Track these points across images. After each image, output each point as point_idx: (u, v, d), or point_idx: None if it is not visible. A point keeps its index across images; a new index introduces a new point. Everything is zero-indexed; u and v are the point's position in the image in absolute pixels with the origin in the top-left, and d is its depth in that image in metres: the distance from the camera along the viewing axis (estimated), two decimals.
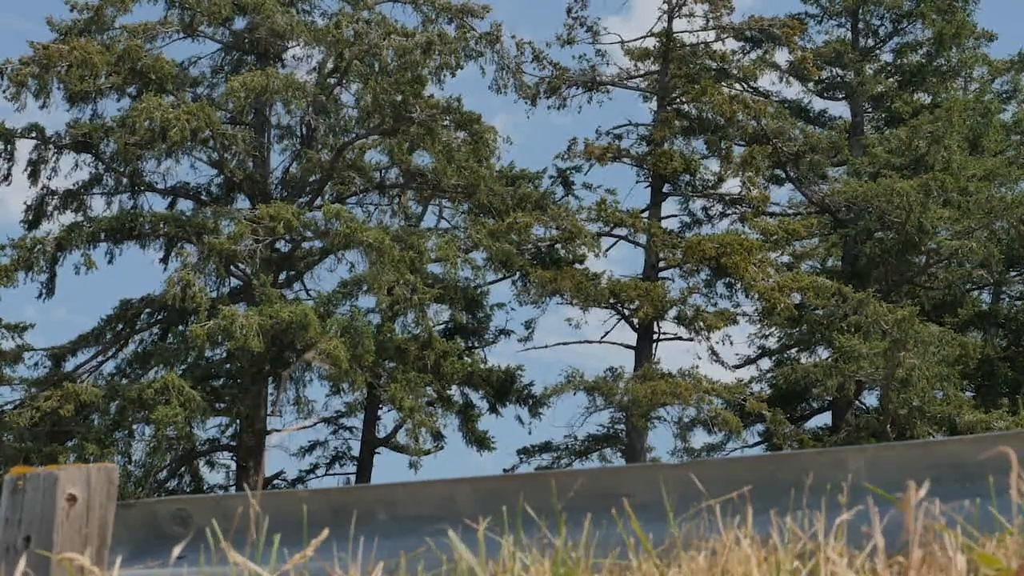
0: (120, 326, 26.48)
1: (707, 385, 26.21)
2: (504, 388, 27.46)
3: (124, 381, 25.48)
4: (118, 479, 3.36)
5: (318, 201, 27.02)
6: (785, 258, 29.24)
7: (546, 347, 29.60)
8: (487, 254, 25.87)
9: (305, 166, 26.54)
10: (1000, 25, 51.18)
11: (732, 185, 28.87)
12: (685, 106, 28.81)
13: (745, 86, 29.59)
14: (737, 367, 29.59)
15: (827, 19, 31.08)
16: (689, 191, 29.17)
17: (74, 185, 26.62)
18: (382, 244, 24.07)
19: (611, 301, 26.84)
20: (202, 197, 27.21)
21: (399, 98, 25.63)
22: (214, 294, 25.13)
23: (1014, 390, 28.85)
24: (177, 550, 2.94)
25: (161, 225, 25.94)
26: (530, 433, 30.25)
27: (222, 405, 25.53)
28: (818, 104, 31.57)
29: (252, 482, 23.61)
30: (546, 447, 28.48)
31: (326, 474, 28.51)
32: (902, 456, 3.07)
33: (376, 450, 27.74)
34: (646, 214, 28.07)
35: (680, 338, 27.39)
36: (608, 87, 29.24)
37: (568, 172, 29.09)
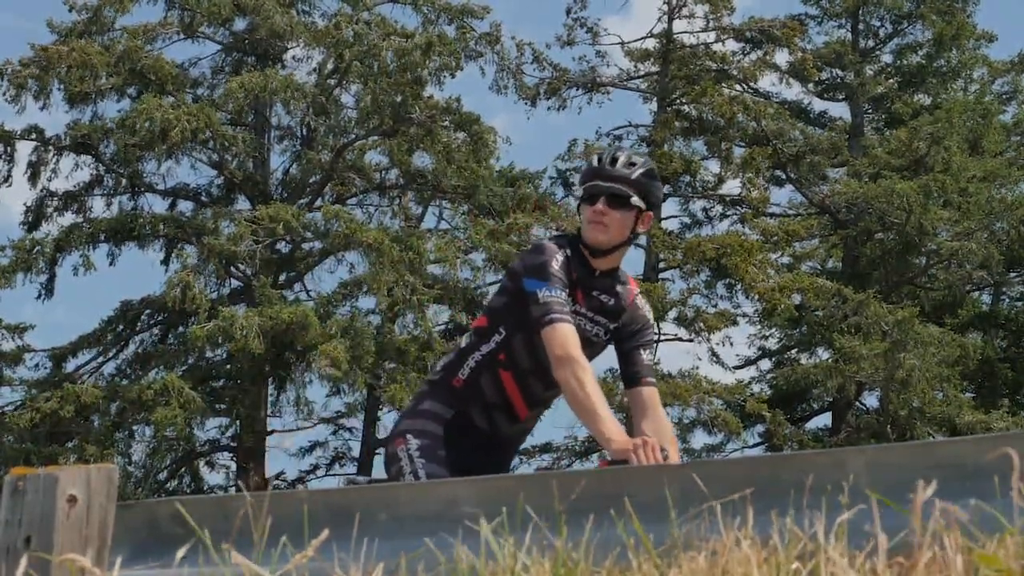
0: (120, 327, 26.49)
1: (707, 386, 26.21)
2: None
3: (124, 382, 25.48)
4: (118, 480, 3.36)
5: (318, 202, 27.04)
6: (785, 259, 29.24)
7: None
8: (487, 255, 25.87)
9: (305, 167, 26.55)
10: (1000, 26, 51.14)
11: (732, 186, 28.91)
12: (685, 107, 28.81)
13: (745, 87, 29.59)
14: (737, 368, 29.59)
15: (827, 20, 31.06)
16: (689, 192, 29.18)
17: (74, 187, 26.63)
18: (382, 245, 24.08)
19: None
20: (202, 198, 27.20)
21: (399, 99, 25.65)
22: (214, 295, 25.14)
23: (1014, 391, 28.87)
24: (181, 552, 2.94)
25: (161, 226, 25.95)
26: (531, 434, 30.19)
27: (222, 406, 25.53)
28: (818, 105, 31.57)
29: (252, 483, 23.62)
30: (546, 448, 28.47)
31: (326, 474, 28.52)
32: (903, 457, 3.07)
33: (376, 450, 27.73)
34: None
35: (680, 339, 27.40)
36: (608, 88, 29.26)
37: (568, 173, 29.11)
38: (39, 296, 25.68)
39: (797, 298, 27.16)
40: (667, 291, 26.92)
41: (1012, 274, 30.16)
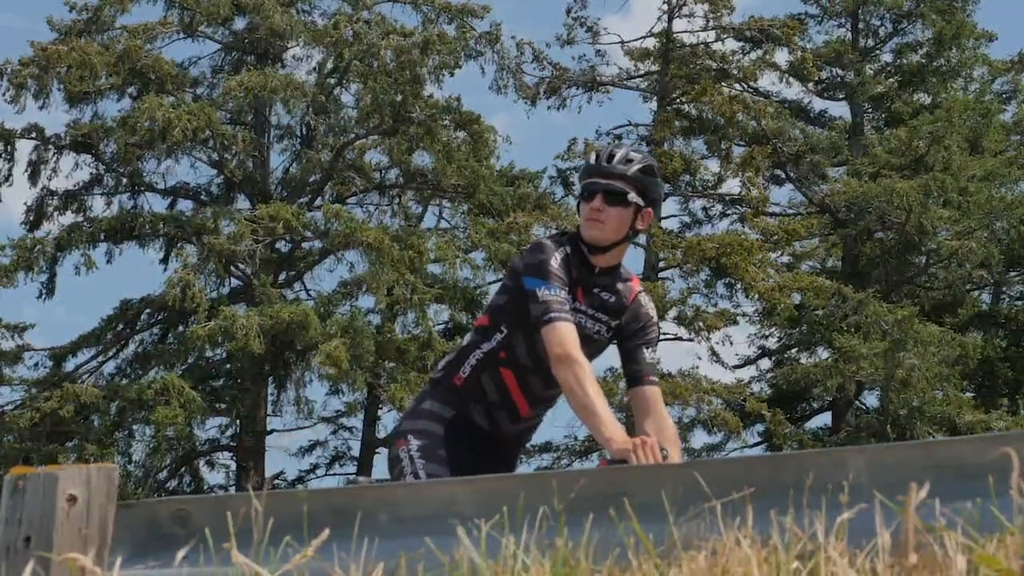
0: (120, 326, 26.48)
1: (707, 385, 26.19)
2: None
3: (124, 382, 25.48)
4: (118, 479, 3.36)
5: (318, 201, 27.03)
6: (785, 258, 29.23)
7: None
8: (487, 254, 25.87)
9: (305, 166, 26.55)
10: (1000, 25, 51.14)
11: (732, 185, 28.89)
12: (685, 106, 28.80)
13: (745, 86, 29.58)
14: (737, 367, 29.57)
15: (827, 19, 31.04)
16: (689, 191, 29.16)
17: (74, 186, 26.63)
18: (382, 244, 24.09)
19: None
20: (202, 197, 27.20)
21: (399, 98, 25.65)
22: (214, 294, 25.14)
23: (1014, 390, 28.85)
24: (181, 554, 2.94)
25: (161, 225, 25.95)
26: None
27: (222, 405, 25.53)
28: (818, 104, 31.55)
29: (254, 482, 23.63)
30: (546, 447, 28.46)
31: (326, 474, 28.51)
32: (903, 457, 3.07)
33: (376, 450, 27.73)
34: None
35: (680, 338, 27.38)
36: (608, 87, 29.25)
37: (568, 172, 29.10)
38: (39, 295, 25.70)
39: (797, 297, 27.15)
40: (667, 290, 26.91)
41: (1012, 273, 30.14)
